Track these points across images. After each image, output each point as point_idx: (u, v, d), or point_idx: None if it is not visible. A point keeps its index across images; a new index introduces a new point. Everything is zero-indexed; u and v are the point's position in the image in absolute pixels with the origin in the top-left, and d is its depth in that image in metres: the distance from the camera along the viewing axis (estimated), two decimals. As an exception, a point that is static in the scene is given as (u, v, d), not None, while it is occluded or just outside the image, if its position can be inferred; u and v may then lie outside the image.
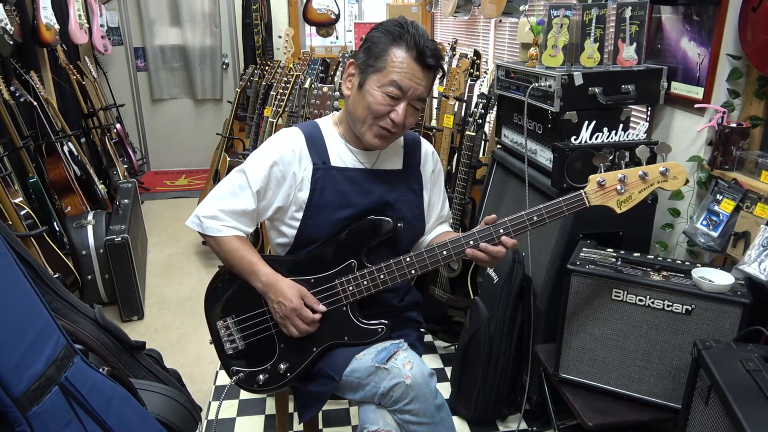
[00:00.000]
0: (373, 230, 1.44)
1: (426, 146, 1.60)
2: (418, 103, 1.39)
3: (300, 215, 1.46)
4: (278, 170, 1.44)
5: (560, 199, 1.38)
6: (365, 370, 1.38)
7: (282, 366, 1.49)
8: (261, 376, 1.50)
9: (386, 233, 1.44)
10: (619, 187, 1.37)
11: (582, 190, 1.38)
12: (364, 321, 1.46)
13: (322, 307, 1.44)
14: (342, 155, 1.48)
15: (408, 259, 1.41)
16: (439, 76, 1.49)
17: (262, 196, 1.46)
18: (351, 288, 1.43)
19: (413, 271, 1.41)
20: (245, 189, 1.45)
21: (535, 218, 1.37)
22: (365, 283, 1.43)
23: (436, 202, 1.62)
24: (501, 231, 1.37)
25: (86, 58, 4.77)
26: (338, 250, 1.45)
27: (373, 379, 1.36)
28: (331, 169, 1.46)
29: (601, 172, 1.39)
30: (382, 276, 1.42)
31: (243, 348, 1.52)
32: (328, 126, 1.52)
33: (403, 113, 1.37)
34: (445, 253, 1.39)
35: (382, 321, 1.47)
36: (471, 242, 1.37)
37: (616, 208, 1.39)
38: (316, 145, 1.47)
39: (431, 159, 1.60)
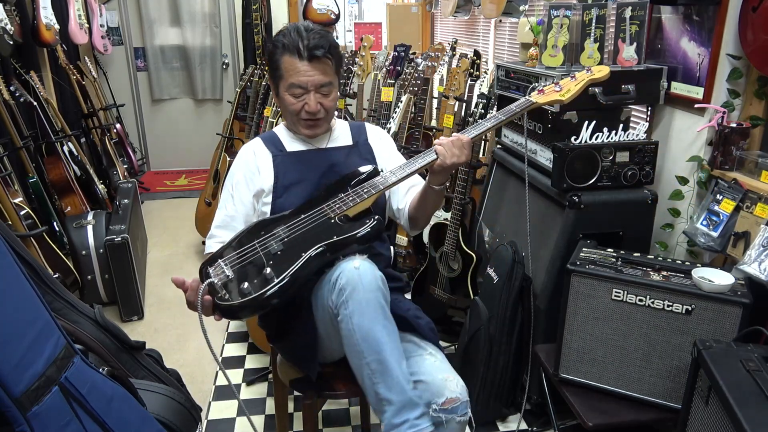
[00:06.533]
0: (354, 174, 1.56)
1: (370, 126, 1.79)
2: (325, 89, 1.56)
3: (271, 197, 1.61)
4: (247, 170, 1.63)
5: (512, 104, 1.59)
6: (325, 287, 1.42)
7: (268, 270, 1.37)
8: (246, 284, 1.36)
9: (369, 175, 1.54)
10: (556, 87, 1.61)
11: (526, 97, 1.62)
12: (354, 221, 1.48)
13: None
14: (296, 144, 1.67)
15: (389, 173, 1.51)
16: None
17: (242, 197, 1.63)
18: (338, 204, 1.48)
19: (393, 179, 1.50)
20: (229, 199, 1.65)
21: (492, 123, 1.58)
22: (351, 197, 1.49)
23: (393, 161, 1.70)
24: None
25: (86, 58, 4.77)
26: (324, 195, 1.53)
27: (327, 278, 1.41)
28: (288, 153, 1.65)
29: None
30: (366, 188, 1.49)
31: (231, 276, 1.39)
32: (281, 128, 1.73)
33: (314, 102, 1.55)
34: (420, 160, 1.51)
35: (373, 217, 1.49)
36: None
37: (560, 98, 1.58)
38: (272, 140, 1.68)
39: (376, 132, 1.76)
